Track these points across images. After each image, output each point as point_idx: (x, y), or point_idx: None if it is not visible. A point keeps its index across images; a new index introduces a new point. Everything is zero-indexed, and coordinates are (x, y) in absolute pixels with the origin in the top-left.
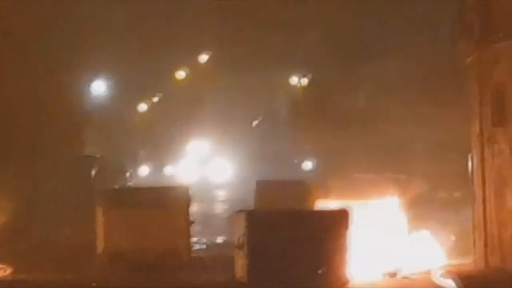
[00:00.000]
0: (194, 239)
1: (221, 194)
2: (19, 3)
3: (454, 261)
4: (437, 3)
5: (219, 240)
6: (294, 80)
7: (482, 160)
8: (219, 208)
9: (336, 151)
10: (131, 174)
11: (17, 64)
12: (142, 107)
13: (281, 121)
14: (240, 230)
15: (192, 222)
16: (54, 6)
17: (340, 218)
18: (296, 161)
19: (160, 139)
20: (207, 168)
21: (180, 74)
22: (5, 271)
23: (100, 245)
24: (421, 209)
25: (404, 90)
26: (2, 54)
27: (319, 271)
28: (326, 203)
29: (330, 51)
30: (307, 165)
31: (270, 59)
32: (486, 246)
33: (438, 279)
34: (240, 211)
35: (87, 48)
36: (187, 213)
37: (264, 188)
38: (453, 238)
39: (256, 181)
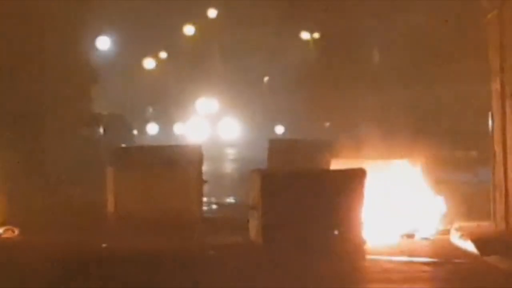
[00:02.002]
0: (205, 199)
1: (231, 152)
2: None
3: (474, 223)
4: None
5: (231, 200)
6: (305, 35)
7: (503, 117)
8: (230, 167)
9: (350, 108)
10: (139, 132)
11: (20, 19)
12: (150, 63)
13: (293, 78)
14: (254, 190)
15: (205, 181)
16: None
17: (356, 177)
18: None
19: (168, 96)
20: (216, 126)
21: (189, 30)
22: (13, 232)
23: (110, 205)
24: (438, 170)
25: (421, 46)
26: (5, 9)
27: (335, 232)
28: (342, 162)
29: (341, 6)
30: (323, 124)
31: (280, 14)
32: (507, 206)
33: (457, 240)
34: (254, 170)
35: (92, 2)
36: (200, 172)
37: (277, 146)
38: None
39: (269, 139)
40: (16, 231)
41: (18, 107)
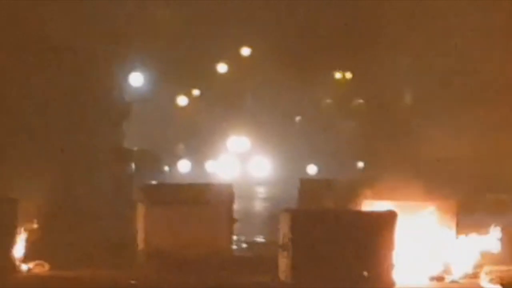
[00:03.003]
0: (235, 238)
1: (262, 191)
2: None
3: (505, 266)
4: None
5: (260, 239)
6: (337, 75)
7: None
8: (260, 206)
9: (386, 151)
10: (170, 169)
11: (54, 55)
12: (183, 100)
13: (325, 118)
14: (284, 229)
15: (236, 220)
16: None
17: (387, 220)
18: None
19: (200, 133)
20: (247, 164)
21: (222, 67)
22: (43, 266)
23: (140, 242)
24: (468, 213)
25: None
26: (41, 44)
27: (365, 274)
28: (373, 204)
29: (372, 45)
30: (356, 164)
31: (312, 53)
32: None
33: (486, 284)
34: (285, 210)
35: (126, 40)
36: (231, 211)
37: (308, 186)
38: (500, 241)
39: (300, 179)
40: (47, 266)
41: (47, 140)
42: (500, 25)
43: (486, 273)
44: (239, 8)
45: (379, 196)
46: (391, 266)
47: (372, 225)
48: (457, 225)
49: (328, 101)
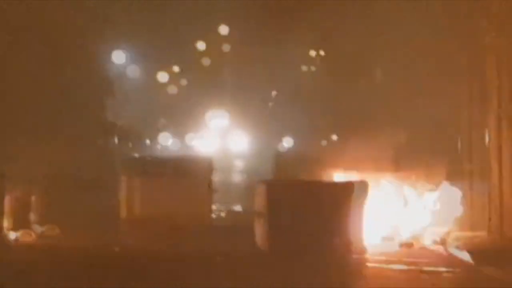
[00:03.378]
0: (214, 207)
1: (239, 164)
2: None
3: (469, 233)
4: None
5: (238, 208)
6: (312, 53)
7: (499, 133)
8: (237, 178)
9: (354, 127)
10: (151, 142)
11: (38, 30)
12: (163, 76)
13: (299, 94)
14: (260, 200)
15: (215, 191)
16: None
17: (357, 189)
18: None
19: (180, 108)
20: (226, 138)
21: (201, 45)
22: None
23: (123, 212)
24: (432, 182)
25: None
26: (24, 19)
27: (336, 240)
28: (343, 175)
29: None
30: (331, 137)
31: (288, 33)
32: (501, 217)
33: (453, 250)
34: (261, 181)
35: (109, 18)
36: (210, 182)
37: (282, 160)
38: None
39: (275, 153)
40: (32, 234)
41: (32, 114)
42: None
43: (453, 239)
44: None
45: (348, 168)
46: (361, 233)
47: (344, 194)
48: (423, 194)
49: (304, 76)
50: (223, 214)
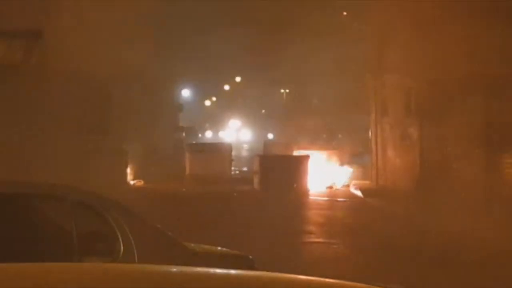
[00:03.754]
0: (232, 168)
1: (245, 147)
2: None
3: (361, 181)
4: (356, 52)
5: (245, 169)
6: (282, 90)
7: (375, 132)
8: (245, 153)
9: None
10: (201, 136)
11: (141, 78)
12: (207, 102)
13: (276, 111)
14: (256, 164)
15: (233, 160)
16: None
17: (305, 159)
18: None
19: (215, 117)
20: (239, 133)
21: (226, 86)
22: (140, 182)
23: (187, 171)
24: (345, 156)
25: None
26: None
27: (294, 185)
28: (298, 152)
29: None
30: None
31: (271, 80)
32: (376, 174)
33: (353, 190)
34: (257, 154)
35: (180, 71)
36: (230, 156)
37: (267, 144)
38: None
39: (264, 141)
40: (142, 182)
41: (143, 125)
42: None
43: (353, 184)
44: (234, 51)
45: (301, 148)
46: (306, 182)
47: (299, 162)
48: (340, 161)
49: (278, 102)
50: (237, 172)
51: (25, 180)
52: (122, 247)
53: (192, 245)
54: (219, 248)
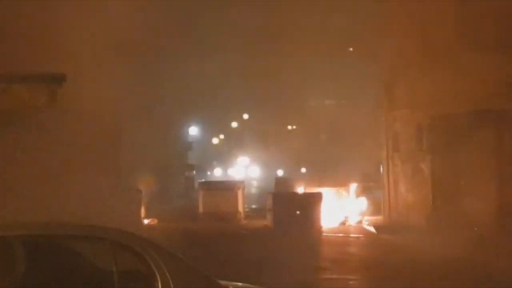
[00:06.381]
0: (245, 206)
1: (255, 184)
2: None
3: (374, 217)
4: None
5: (255, 206)
6: (289, 127)
7: (387, 168)
8: (255, 191)
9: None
10: (210, 173)
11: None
12: (215, 140)
13: (284, 147)
14: (269, 201)
15: (244, 197)
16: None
17: (318, 196)
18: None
19: (224, 155)
20: (248, 170)
21: (234, 124)
22: (154, 221)
23: (200, 209)
24: (357, 191)
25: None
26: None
27: (308, 223)
28: (311, 189)
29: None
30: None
31: (276, 118)
32: (389, 210)
33: (366, 226)
34: (269, 192)
35: (188, 110)
36: (243, 193)
37: (279, 181)
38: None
39: (275, 177)
40: (156, 220)
41: (153, 165)
42: None
43: (365, 220)
44: (241, 92)
45: (312, 185)
46: (319, 218)
47: (311, 199)
48: (354, 196)
49: (285, 138)
50: (247, 209)
51: (62, 221)
52: (160, 286)
53: (225, 282)
54: (251, 285)
